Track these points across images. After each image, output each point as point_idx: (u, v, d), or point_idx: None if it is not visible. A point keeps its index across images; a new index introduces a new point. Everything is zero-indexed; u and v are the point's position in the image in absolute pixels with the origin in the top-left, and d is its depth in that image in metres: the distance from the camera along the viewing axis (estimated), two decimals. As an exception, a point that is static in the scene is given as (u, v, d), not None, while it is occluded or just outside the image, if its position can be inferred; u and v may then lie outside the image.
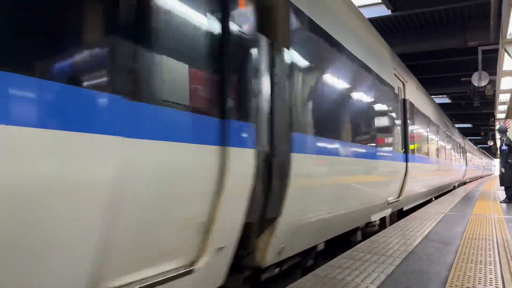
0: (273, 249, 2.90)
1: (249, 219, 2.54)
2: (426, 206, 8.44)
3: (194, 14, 2.09)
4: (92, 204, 1.51)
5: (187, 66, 2.01)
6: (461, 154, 20.76)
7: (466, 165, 23.23)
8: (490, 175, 57.93)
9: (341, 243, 4.73)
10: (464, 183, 23.02)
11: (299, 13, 3.17)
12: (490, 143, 37.82)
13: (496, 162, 63.76)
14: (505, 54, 8.13)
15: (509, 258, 3.61)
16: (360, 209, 4.74)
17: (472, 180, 29.40)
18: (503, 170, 9.42)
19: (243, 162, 2.36)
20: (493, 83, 14.25)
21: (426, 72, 17.79)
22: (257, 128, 2.55)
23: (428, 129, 10.13)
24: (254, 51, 2.56)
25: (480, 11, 11.65)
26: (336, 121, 3.92)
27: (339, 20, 4.12)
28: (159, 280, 1.84)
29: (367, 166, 4.92)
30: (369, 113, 5.12)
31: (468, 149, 26.33)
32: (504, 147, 9.46)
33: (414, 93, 8.47)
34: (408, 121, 7.46)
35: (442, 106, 21.01)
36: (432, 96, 17.51)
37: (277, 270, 3.22)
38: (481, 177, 42.53)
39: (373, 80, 5.30)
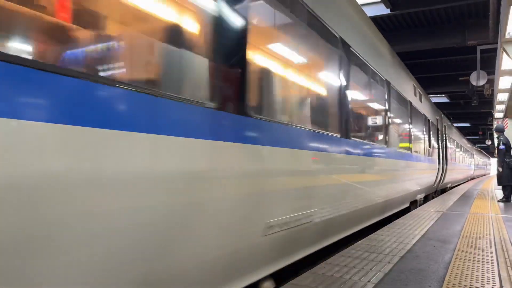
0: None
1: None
2: (424, 205, 8.46)
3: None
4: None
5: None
6: (436, 144, 12.23)
7: (446, 162, 14.02)
8: (484, 175, 50.91)
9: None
10: (443, 191, 14.99)
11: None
12: (488, 142, 37.91)
13: (493, 161, 63.76)
14: (504, 53, 8.14)
15: (506, 257, 3.63)
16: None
17: (456, 184, 20.40)
18: (500, 169, 9.44)
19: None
20: (491, 82, 14.27)
21: (425, 71, 17.80)
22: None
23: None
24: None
25: (479, 10, 11.66)
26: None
27: None
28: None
29: None
30: None
31: (451, 138, 17.06)
32: (501, 146, 9.47)
33: None
34: None
35: (440, 105, 21.02)
36: (430, 96, 17.43)
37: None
38: (472, 178, 33.32)
39: None
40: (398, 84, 7.33)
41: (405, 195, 7.59)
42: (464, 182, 24.11)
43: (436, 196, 12.37)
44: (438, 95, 23.67)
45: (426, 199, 10.97)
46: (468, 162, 28.19)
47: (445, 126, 15.24)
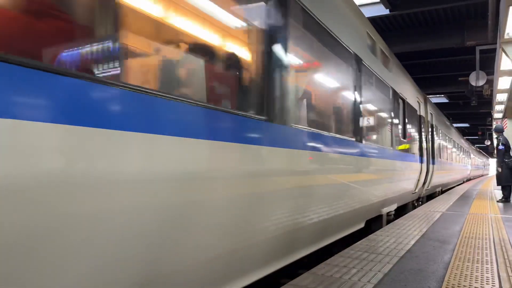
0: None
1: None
2: (423, 205, 8.46)
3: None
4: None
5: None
6: (418, 136, 9.41)
7: (433, 161, 11.09)
8: (482, 175, 47.42)
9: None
10: (431, 197, 12.24)
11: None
12: (487, 142, 37.97)
13: (491, 161, 63.65)
14: (503, 53, 8.16)
15: (506, 257, 3.63)
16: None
17: (448, 187, 16.83)
18: (499, 169, 9.46)
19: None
20: (490, 83, 14.31)
21: (424, 71, 17.84)
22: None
23: None
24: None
25: (478, 10, 11.69)
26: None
27: None
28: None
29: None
30: None
31: (440, 131, 13.81)
32: (500, 147, 9.49)
33: None
34: None
35: (440, 105, 21.03)
36: (429, 96, 17.44)
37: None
38: (469, 179, 29.11)
39: None
40: (325, 16, 3.92)
41: (352, 211, 4.66)
42: (459, 185, 20.76)
43: (420, 205, 9.81)
44: (438, 95, 23.71)
45: (403, 211, 8.33)
46: (463, 162, 24.02)
47: (432, 115, 11.73)
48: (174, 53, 2.48)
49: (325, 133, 3.85)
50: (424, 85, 15.80)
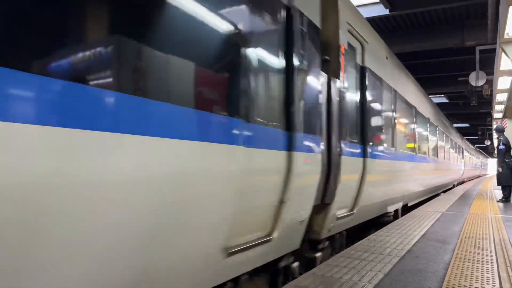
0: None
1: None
2: (423, 205, 8.46)
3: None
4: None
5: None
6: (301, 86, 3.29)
7: (363, 144, 5.07)
8: (478, 176, 42.96)
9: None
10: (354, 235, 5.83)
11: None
12: (487, 142, 37.98)
13: (490, 161, 63.41)
14: (503, 53, 8.16)
15: (506, 257, 3.63)
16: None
17: (419, 201, 9.81)
18: (500, 169, 9.46)
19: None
20: (490, 83, 14.31)
21: (424, 71, 17.84)
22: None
23: None
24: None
25: (478, 10, 11.69)
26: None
27: None
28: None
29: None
30: None
31: (391, 89, 6.69)
32: (501, 147, 9.50)
33: None
34: None
35: (440, 105, 21.06)
36: (429, 96, 17.45)
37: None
38: (462, 182, 23.55)
39: None
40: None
41: None
42: (446, 191, 15.09)
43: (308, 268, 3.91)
44: (437, 96, 23.71)
45: None
46: (453, 158, 17.45)
47: (364, 49, 5.38)
48: None
49: None
50: (424, 85, 15.80)
